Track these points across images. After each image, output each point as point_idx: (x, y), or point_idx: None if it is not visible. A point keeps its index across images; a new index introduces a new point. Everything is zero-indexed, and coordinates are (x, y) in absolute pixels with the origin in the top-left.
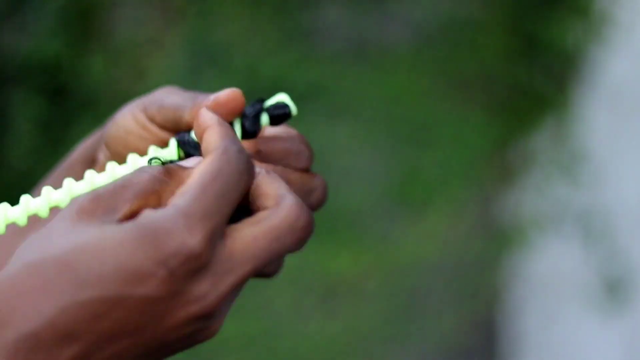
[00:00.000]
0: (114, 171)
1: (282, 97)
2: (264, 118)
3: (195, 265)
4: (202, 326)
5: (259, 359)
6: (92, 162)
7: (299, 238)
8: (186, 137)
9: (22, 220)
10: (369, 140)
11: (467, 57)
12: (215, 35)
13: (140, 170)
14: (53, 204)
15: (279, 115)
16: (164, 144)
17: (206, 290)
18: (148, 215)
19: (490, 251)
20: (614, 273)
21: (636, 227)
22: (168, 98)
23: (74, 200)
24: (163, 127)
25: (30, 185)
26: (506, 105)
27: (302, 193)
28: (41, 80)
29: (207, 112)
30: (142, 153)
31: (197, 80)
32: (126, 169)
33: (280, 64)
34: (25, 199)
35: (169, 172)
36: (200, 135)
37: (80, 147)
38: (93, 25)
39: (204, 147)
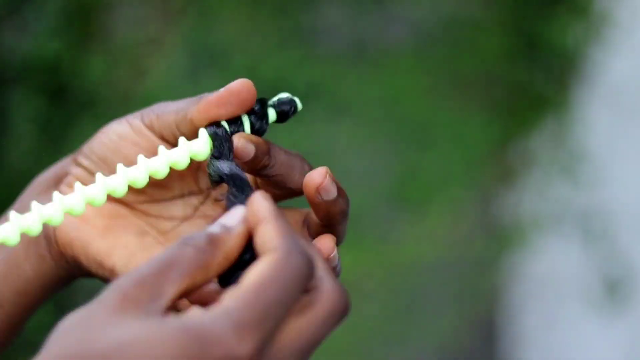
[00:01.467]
0: (105, 182)
1: (285, 96)
2: (271, 114)
3: None
4: None
5: None
6: (56, 183)
7: (339, 322)
8: (219, 131)
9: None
10: (369, 140)
11: (468, 57)
12: (215, 35)
13: (183, 243)
14: (46, 219)
15: (286, 111)
16: (154, 153)
17: None
18: (196, 316)
19: (490, 251)
20: (614, 273)
21: (636, 227)
22: (167, 107)
23: (116, 284)
24: (160, 134)
25: (30, 183)
26: (506, 105)
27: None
28: (41, 80)
29: (261, 200)
30: (132, 161)
31: (197, 80)
32: (122, 176)
33: (280, 64)
34: (36, 206)
35: (213, 243)
36: (253, 226)
37: (42, 175)
38: (93, 25)
39: (259, 242)
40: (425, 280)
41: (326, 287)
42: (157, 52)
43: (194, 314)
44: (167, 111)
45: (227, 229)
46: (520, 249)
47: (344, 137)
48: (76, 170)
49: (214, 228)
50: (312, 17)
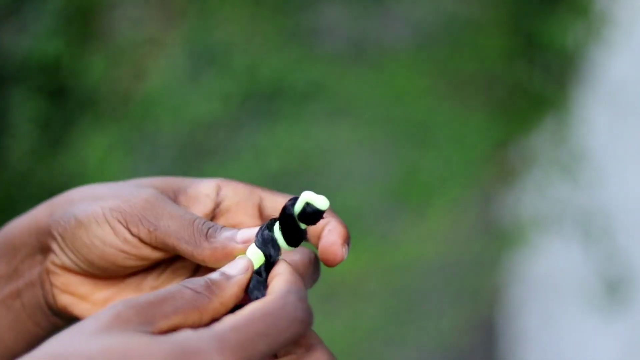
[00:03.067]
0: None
1: (307, 197)
2: (279, 239)
3: None
4: None
5: None
6: (43, 251)
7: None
8: (268, 236)
9: None
10: (369, 140)
11: (467, 57)
12: (215, 35)
13: (183, 284)
14: None
15: (311, 215)
16: (142, 259)
17: None
18: (185, 333)
19: (490, 251)
20: (613, 273)
21: (636, 227)
22: (161, 220)
23: (112, 306)
24: (155, 247)
25: (30, 185)
26: (506, 105)
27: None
28: (41, 80)
29: (283, 264)
30: (122, 267)
31: (197, 80)
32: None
33: (280, 64)
34: None
35: (210, 288)
36: (271, 280)
37: (20, 225)
38: (93, 25)
39: (269, 292)
40: (425, 280)
41: (323, 351)
42: (157, 52)
43: (184, 332)
44: (164, 232)
45: (226, 277)
46: (520, 248)
47: (344, 137)
48: (61, 259)
49: (215, 275)
50: (312, 17)
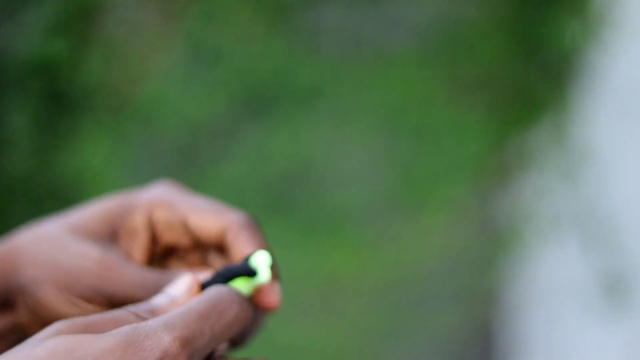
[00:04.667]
0: None
1: (258, 259)
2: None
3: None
4: None
5: (258, 356)
6: (2, 306)
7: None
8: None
9: None
10: (369, 141)
11: (467, 58)
12: (215, 35)
13: (127, 310)
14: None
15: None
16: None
17: None
18: (130, 325)
19: (489, 251)
20: (613, 274)
21: (636, 227)
22: (100, 280)
23: (55, 323)
24: (99, 303)
25: (29, 186)
26: (505, 106)
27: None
28: (41, 82)
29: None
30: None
31: (197, 80)
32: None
33: (280, 64)
34: None
35: (154, 313)
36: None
37: None
38: (93, 25)
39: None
40: (422, 281)
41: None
42: (157, 52)
43: (128, 325)
44: (107, 293)
45: (171, 301)
46: (518, 249)
47: (344, 137)
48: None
49: (160, 299)
50: (312, 18)
